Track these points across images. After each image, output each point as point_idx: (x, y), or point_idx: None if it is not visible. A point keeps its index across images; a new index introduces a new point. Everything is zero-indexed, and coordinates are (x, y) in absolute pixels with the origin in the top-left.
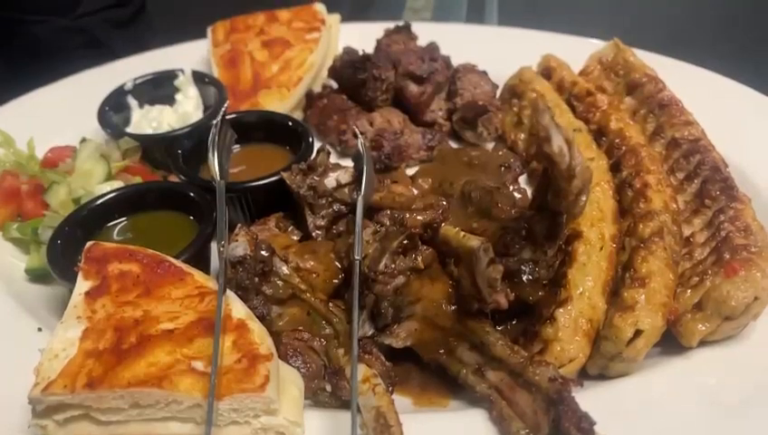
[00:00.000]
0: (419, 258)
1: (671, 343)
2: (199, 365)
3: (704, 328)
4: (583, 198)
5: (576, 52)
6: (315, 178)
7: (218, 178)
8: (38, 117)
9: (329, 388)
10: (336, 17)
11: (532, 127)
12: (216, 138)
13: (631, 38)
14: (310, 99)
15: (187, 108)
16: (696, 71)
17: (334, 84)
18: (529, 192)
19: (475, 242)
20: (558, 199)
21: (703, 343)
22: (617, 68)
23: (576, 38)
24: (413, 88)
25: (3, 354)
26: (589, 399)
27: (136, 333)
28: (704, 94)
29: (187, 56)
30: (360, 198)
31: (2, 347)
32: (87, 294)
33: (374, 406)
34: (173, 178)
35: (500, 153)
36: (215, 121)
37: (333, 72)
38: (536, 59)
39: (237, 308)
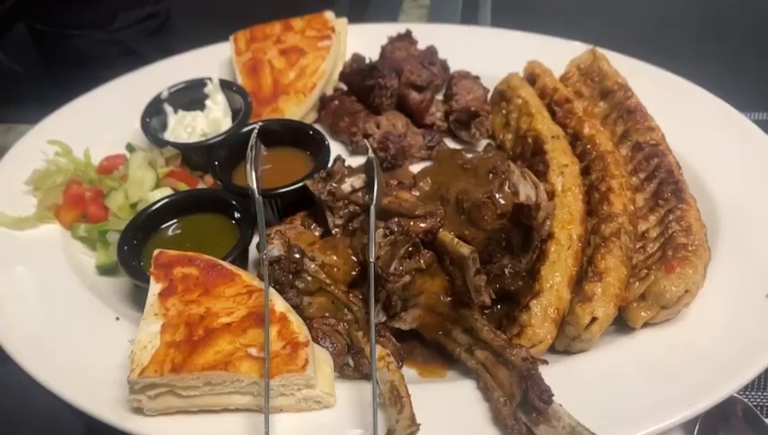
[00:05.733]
0: (422, 260)
1: (622, 324)
2: (254, 351)
3: (645, 314)
4: (548, 223)
5: (561, 54)
6: (333, 184)
7: (257, 193)
8: (83, 122)
9: (352, 363)
10: (344, 21)
11: (518, 129)
12: (253, 155)
13: (619, 37)
14: (323, 101)
15: (216, 114)
16: (662, 74)
17: (344, 86)
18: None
19: (465, 250)
20: (529, 220)
21: (646, 324)
22: (593, 74)
23: (561, 40)
24: (415, 96)
25: (94, 342)
26: (554, 371)
27: (202, 326)
28: (666, 97)
29: (210, 60)
30: (372, 207)
31: (92, 335)
32: (160, 294)
33: (388, 380)
34: (209, 179)
35: (489, 155)
36: (250, 144)
37: (343, 77)
38: (524, 60)
39: (279, 303)
